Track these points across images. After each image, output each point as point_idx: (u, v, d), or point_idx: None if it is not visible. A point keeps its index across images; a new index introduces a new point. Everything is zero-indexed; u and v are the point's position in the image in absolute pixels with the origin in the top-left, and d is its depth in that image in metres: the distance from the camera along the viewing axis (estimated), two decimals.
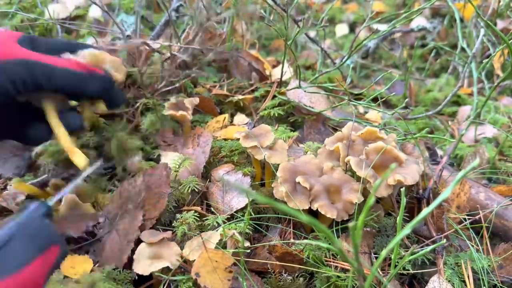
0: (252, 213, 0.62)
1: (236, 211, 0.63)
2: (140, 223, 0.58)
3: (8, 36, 0.58)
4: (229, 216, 0.62)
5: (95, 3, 0.70)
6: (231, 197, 0.64)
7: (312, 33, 1.21)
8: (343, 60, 0.72)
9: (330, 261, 0.60)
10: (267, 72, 1.04)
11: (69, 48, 0.62)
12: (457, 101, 1.05)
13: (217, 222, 0.59)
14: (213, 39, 0.96)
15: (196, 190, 0.65)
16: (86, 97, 0.62)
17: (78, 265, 0.59)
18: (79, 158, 0.59)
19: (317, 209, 0.59)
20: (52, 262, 0.42)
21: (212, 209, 0.66)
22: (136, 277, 0.56)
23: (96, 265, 0.59)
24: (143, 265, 0.53)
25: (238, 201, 0.63)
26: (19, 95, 0.55)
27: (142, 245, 0.57)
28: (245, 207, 0.62)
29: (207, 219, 0.61)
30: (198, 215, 0.61)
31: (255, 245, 0.61)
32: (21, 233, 0.41)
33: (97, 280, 0.52)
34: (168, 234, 0.58)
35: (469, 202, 0.69)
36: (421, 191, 0.74)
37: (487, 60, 0.70)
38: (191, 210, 0.62)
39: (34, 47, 0.59)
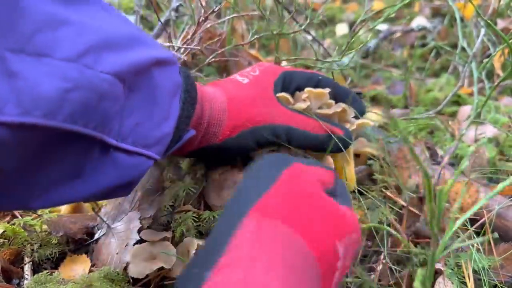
0: None
1: None
2: (138, 226, 0.58)
3: (267, 83, 0.58)
4: None
5: None
6: (227, 194, 0.63)
7: (311, 33, 1.21)
8: (342, 56, 0.72)
9: None
10: None
11: (310, 84, 0.62)
12: (458, 101, 1.05)
13: (213, 216, 0.59)
14: (213, 38, 0.96)
15: (193, 191, 0.65)
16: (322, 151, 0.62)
17: (76, 266, 0.58)
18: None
19: None
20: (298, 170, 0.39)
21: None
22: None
23: (94, 266, 0.59)
24: (138, 268, 0.53)
25: None
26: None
27: (136, 246, 0.56)
28: None
29: (202, 215, 0.60)
30: (196, 215, 0.60)
31: None
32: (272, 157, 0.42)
33: (94, 281, 0.52)
34: (169, 234, 0.58)
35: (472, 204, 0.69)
36: (422, 190, 0.73)
37: (487, 59, 0.70)
38: (189, 210, 0.61)
39: (284, 87, 0.61)
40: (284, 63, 0.90)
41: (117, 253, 0.57)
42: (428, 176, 0.28)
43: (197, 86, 0.51)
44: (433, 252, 0.33)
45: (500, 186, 0.30)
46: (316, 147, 0.59)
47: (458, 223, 0.33)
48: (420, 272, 0.28)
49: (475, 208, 0.30)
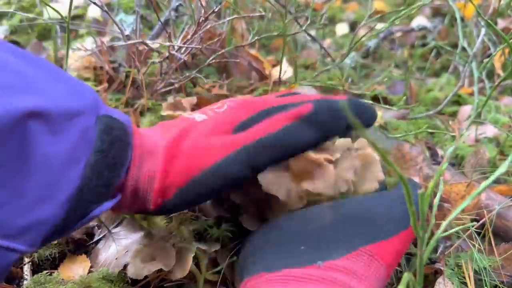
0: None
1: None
2: (140, 235, 0.58)
3: (232, 118, 0.46)
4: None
5: (94, 3, 0.70)
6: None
7: (312, 32, 1.21)
8: (343, 58, 0.72)
9: None
10: (267, 72, 1.03)
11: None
12: (458, 101, 1.04)
13: (208, 225, 0.59)
14: (212, 38, 0.96)
15: None
16: None
17: (76, 266, 0.58)
18: None
19: None
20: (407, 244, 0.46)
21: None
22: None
23: (92, 267, 0.59)
24: (137, 269, 0.52)
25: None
26: None
27: (136, 247, 0.56)
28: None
29: (200, 217, 0.60)
30: (194, 217, 0.60)
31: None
32: (401, 203, 0.45)
33: (93, 281, 0.52)
34: (164, 231, 0.58)
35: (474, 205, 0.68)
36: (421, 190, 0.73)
37: (487, 59, 0.69)
38: (187, 212, 0.61)
39: None
40: (285, 64, 0.90)
41: (116, 258, 0.57)
42: (402, 177, 0.28)
43: (129, 139, 0.39)
44: (420, 256, 0.33)
45: (485, 183, 0.32)
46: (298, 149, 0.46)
47: (444, 224, 0.33)
48: (406, 275, 0.27)
49: (459, 209, 0.30)
